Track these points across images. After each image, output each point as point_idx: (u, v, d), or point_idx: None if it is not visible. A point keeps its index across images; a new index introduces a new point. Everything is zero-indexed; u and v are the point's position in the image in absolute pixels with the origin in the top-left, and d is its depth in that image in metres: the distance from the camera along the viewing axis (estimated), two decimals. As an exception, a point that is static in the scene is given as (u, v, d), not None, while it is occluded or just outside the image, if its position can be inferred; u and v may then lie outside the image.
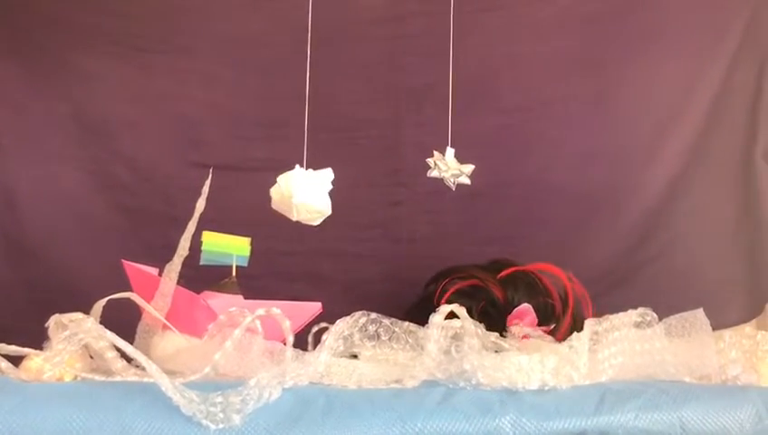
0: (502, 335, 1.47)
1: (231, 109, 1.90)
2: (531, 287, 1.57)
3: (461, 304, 1.50)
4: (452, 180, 1.37)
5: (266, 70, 1.88)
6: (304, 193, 1.27)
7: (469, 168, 1.37)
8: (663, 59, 1.89)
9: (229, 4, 1.89)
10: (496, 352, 1.29)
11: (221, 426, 0.98)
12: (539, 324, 1.52)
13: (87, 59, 1.84)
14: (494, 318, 1.53)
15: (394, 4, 1.91)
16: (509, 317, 1.53)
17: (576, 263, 1.88)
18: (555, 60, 1.90)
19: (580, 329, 1.49)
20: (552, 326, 1.52)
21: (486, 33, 1.87)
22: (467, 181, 1.38)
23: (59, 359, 1.08)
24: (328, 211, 1.31)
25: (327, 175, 1.30)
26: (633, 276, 1.89)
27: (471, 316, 1.47)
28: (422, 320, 1.29)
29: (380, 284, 1.87)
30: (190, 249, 1.40)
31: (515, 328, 1.50)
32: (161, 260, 1.39)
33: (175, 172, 1.85)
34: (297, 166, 1.31)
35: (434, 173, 1.38)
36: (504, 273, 1.58)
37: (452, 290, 1.57)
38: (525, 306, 1.53)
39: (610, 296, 1.86)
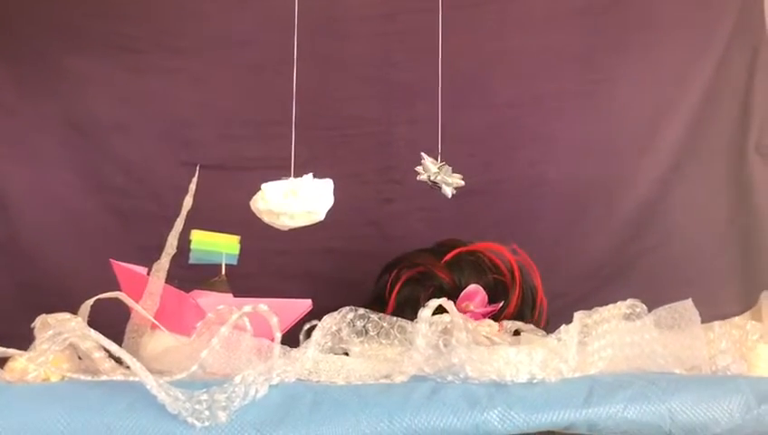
0: None
1: (222, 108, 1.89)
2: (476, 267, 1.56)
3: (410, 293, 1.54)
4: (450, 190, 1.33)
5: (257, 68, 1.87)
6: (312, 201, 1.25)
7: (459, 183, 1.33)
8: (654, 51, 1.89)
9: (218, 4, 1.88)
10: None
11: (207, 424, 0.97)
12: (490, 302, 1.52)
13: (76, 60, 1.83)
14: None
15: (384, 1, 1.91)
16: (458, 299, 1.52)
17: (571, 257, 1.89)
18: (546, 54, 1.90)
19: (531, 298, 1.52)
20: (503, 302, 1.52)
21: (476, 29, 1.86)
22: (450, 194, 1.34)
23: (43, 359, 1.07)
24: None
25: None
26: (628, 269, 1.89)
27: (420, 304, 1.49)
28: None
29: (374, 281, 1.86)
30: (180, 248, 1.39)
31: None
32: (154, 260, 1.37)
33: (166, 173, 1.84)
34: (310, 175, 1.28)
35: (443, 181, 1.32)
36: (448, 256, 1.57)
37: (401, 280, 1.57)
38: (473, 287, 1.53)
39: (605, 290, 1.86)
